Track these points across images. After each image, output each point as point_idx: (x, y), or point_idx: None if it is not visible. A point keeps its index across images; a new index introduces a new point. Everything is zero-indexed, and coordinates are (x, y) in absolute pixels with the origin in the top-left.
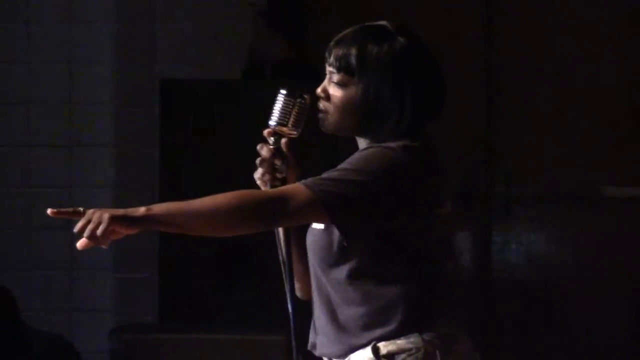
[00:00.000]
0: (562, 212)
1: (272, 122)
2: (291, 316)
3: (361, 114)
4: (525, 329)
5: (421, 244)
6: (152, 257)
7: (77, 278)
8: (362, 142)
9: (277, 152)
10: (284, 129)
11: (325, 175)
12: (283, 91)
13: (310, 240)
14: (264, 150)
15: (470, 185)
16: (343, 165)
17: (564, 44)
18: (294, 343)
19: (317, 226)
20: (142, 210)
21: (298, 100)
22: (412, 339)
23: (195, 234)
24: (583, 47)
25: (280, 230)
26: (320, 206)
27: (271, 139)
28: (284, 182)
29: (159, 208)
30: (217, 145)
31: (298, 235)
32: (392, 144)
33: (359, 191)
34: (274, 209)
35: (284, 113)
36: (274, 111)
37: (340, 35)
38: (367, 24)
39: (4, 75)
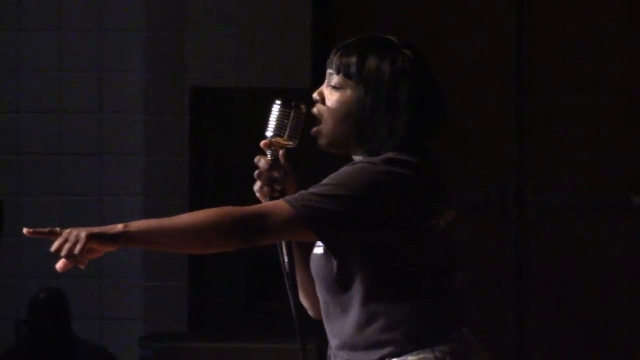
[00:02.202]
0: (593, 221)
1: (269, 133)
2: (297, 328)
3: (353, 122)
4: (558, 336)
5: (422, 257)
6: (182, 266)
7: (107, 286)
8: (357, 160)
9: (274, 163)
10: (281, 139)
11: (308, 190)
12: (278, 101)
13: (312, 266)
14: (261, 162)
15: (502, 194)
16: (325, 180)
17: (595, 52)
18: (301, 356)
19: (317, 251)
20: (119, 227)
21: (293, 110)
22: (422, 355)
23: (174, 251)
24: (614, 55)
25: (283, 246)
26: (301, 222)
27: (268, 151)
28: (283, 193)
29: (137, 225)
30: (247, 153)
31: (304, 260)
32: (376, 158)
33: (340, 205)
34: (253, 226)
35: (280, 124)
36: (269, 122)
37: (345, 42)
38: (372, 35)
39: (36, 83)
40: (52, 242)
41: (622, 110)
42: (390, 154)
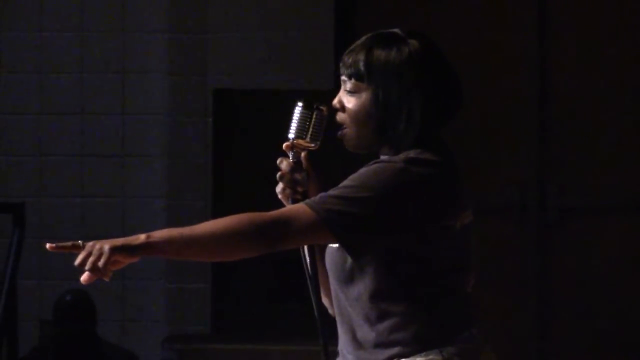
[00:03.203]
0: (615, 223)
1: (291, 135)
2: (320, 331)
3: (374, 121)
4: (580, 338)
5: (435, 258)
6: (204, 268)
7: (130, 288)
8: (384, 157)
9: (297, 165)
10: (303, 141)
11: (329, 192)
12: (300, 103)
13: (327, 259)
14: (283, 164)
15: (524, 196)
16: (345, 182)
17: (617, 55)
18: (323, 358)
19: (333, 244)
20: (142, 237)
21: (315, 112)
22: (431, 356)
23: (197, 259)
24: (637, 58)
25: (305, 248)
26: (324, 226)
27: (290, 153)
28: (305, 195)
29: (159, 235)
30: (270, 155)
31: (324, 258)
32: (396, 157)
33: (362, 208)
34: (277, 231)
35: (302, 126)
36: (291, 124)
37: (352, 45)
38: (377, 31)
39: (58, 85)
40: (75, 240)
41: None
42: (412, 153)
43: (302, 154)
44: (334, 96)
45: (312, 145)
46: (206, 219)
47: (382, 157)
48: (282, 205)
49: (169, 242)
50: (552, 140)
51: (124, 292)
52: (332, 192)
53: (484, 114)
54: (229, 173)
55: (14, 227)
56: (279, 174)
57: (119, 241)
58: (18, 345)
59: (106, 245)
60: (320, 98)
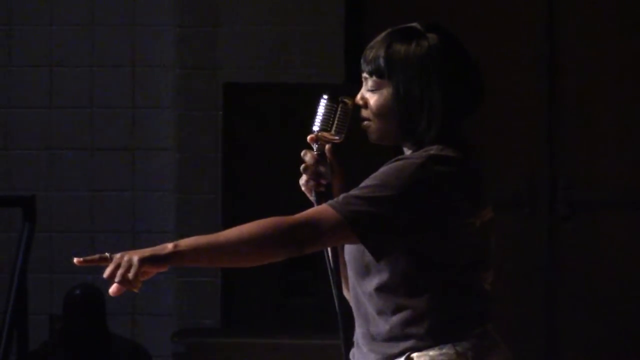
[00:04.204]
0: (624, 217)
1: (315, 128)
2: (340, 325)
3: (397, 116)
4: (588, 330)
5: (453, 254)
6: None
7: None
8: (407, 151)
9: (321, 158)
10: (327, 134)
11: (351, 193)
12: (325, 96)
13: (346, 251)
14: (307, 157)
15: (533, 189)
16: (367, 181)
17: (627, 47)
18: (343, 351)
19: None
20: (169, 247)
21: (340, 105)
22: (444, 350)
23: (225, 266)
24: None
25: None
26: (348, 227)
27: (315, 145)
28: (328, 188)
29: (186, 244)
30: (280, 149)
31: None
32: (417, 154)
33: (384, 207)
34: (304, 235)
35: (327, 118)
36: (316, 117)
37: (372, 41)
38: (396, 27)
39: (68, 79)
40: (84, 236)
41: None
42: (433, 150)
43: (327, 147)
44: (353, 90)
45: (337, 138)
46: (216, 212)
47: (404, 154)
48: (295, 197)
49: (196, 251)
50: (562, 134)
51: None
52: (354, 192)
53: (494, 109)
54: (238, 166)
55: (23, 221)
56: (302, 165)
57: (147, 252)
58: (28, 340)
59: (135, 257)
60: (344, 91)
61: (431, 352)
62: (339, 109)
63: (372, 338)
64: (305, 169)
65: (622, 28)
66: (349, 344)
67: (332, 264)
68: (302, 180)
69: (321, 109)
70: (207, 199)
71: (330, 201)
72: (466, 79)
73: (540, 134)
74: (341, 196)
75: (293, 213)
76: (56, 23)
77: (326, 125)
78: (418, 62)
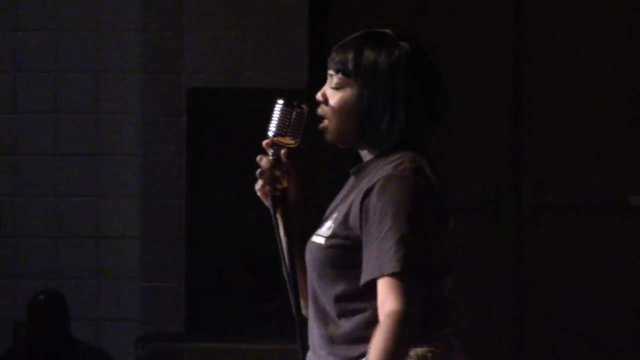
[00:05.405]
0: (590, 221)
1: (271, 133)
2: (297, 329)
3: (356, 118)
4: (555, 335)
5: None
6: (179, 266)
7: (105, 287)
8: (364, 154)
9: (276, 162)
10: (282, 139)
11: (395, 248)
12: (280, 101)
13: (308, 253)
14: (263, 162)
15: (499, 193)
16: (388, 221)
17: (593, 52)
18: (300, 356)
19: (317, 240)
20: None
21: (296, 109)
22: None
23: None
24: (612, 55)
25: (284, 245)
26: (415, 274)
27: (270, 150)
28: (284, 192)
29: None
30: (245, 154)
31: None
32: (402, 169)
33: (422, 239)
34: (415, 314)
35: (282, 123)
36: (272, 122)
37: (343, 40)
38: (369, 30)
39: (32, 84)
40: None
41: (619, 111)
42: (407, 162)
43: (282, 152)
44: (312, 94)
45: (292, 142)
46: (181, 218)
47: (366, 152)
48: (260, 203)
49: None
50: (527, 138)
51: (98, 291)
52: (391, 242)
53: (458, 112)
54: (203, 172)
55: None
56: (258, 171)
57: None
58: None
59: None
60: (300, 96)
61: None
62: (294, 113)
63: (331, 340)
64: (261, 174)
65: (589, 33)
66: (305, 348)
67: (288, 269)
68: (258, 185)
69: (276, 114)
70: (172, 205)
71: (391, 271)
72: (431, 92)
73: (505, 138)
74: (383, 257)
75: (257, 219)
76: (21, 27)
77: (282, 130)
78: (386, 70)
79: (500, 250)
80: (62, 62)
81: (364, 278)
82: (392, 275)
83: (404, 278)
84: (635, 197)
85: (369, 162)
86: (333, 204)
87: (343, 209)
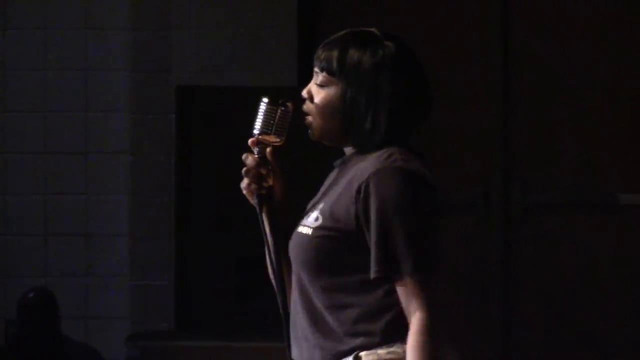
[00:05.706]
0: (578, 220)
1: (256, 131)
2: (285, 329)
3: (339, 117)
4: (544, 334)
5: None
6: (168, 264)
7: (93, 285)
8: (348, 151)
9: (262, 161)
10: (268, 137)
11: (398, 245)
12: (265, 99)
13: (294, 244)
14: (248, 160)
15: (487, 192)
16: (397, 219)
17: (583, 50)
18: (288, 353)
19: (303, 230)
20: None
21: (280, 108)
22: (393, 349)
23: None
24: (602, 53)
25: (270, 242)
26: (433, 269)
27: (255, 149)
28: (270, 190)
29: None
30: (234, 152)
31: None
32: (393, 160)
33: (429, 230)
34: (439, 319)
35: (267, 121)
36: (256, 120)
37: (329, 38)
38: (356, 29)
39: (20, 82)
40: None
41: (607, 109)
42: (399, 161)
43: (267, 150)
44: (299, 93)
45: (277, 140)
46: (170, 216)
47: (350, 149)
48: (247, 201)
49: None
50: (516, 136)
51: (88, 289)
52: (403, 239)
53: (447, 110)
54: (192, 170)
55: None
56: (244, 169)
57: None
58: None
59: None
60: (285, 94)
61: (379, 351)
62: (279, 111)
63: (320, 334)
64: (247, 172)
65: (576, 31)
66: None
67: (275, 267)
68: (244, 183)
69: (261, 112)
70: (161, 203)
71: (412, 267)
72: (415, 93)
73: (494, 136)
74: (398, 256)
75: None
76: (9, 27)
77: (267, 128)
78: (370, 69)
79: (489, 249)
80: (51, 61)
81: (376, 274)
82: (410, 275)
83: (424, 278)
84: (625, 196)
85: (354, 154)
86: (317, 196)
87: (329, 200)
